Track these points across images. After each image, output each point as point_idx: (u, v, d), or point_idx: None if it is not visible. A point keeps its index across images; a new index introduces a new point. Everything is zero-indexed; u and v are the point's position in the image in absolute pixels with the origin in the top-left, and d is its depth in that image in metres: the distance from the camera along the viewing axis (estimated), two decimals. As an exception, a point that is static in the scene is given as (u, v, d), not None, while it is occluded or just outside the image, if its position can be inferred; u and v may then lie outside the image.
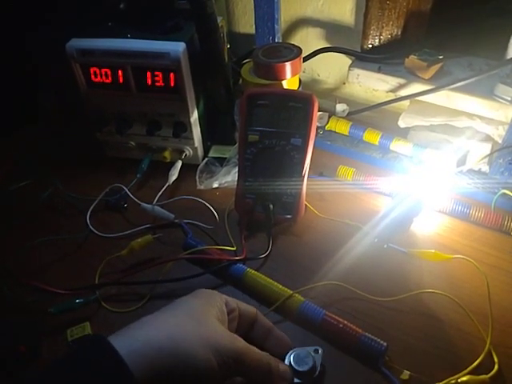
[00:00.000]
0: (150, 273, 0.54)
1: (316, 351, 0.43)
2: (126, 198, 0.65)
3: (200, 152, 0.70)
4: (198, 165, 0.68)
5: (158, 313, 0.35)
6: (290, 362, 0.42)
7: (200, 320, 0.35)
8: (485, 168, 0.65)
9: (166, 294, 0.53)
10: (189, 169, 0.69)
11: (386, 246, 0.56)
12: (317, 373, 0.42)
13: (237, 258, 0.55)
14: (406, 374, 0.44)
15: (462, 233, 0.58)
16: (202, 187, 0.66)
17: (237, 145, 0.66)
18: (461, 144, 0.65)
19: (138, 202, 0.63)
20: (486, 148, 0.64)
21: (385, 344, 0.45)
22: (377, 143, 0.71)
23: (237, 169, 0.62)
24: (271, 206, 0.59)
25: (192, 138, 0.68)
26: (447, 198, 0.60)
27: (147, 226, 0.61)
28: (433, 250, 0.55)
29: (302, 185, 0.59)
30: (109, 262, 0.56)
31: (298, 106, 0.58)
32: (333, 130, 0.75)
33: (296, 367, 0.42)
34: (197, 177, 0.67)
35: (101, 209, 0.65)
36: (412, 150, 0.68)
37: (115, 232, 0.61)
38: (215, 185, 0.66)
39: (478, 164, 0.65)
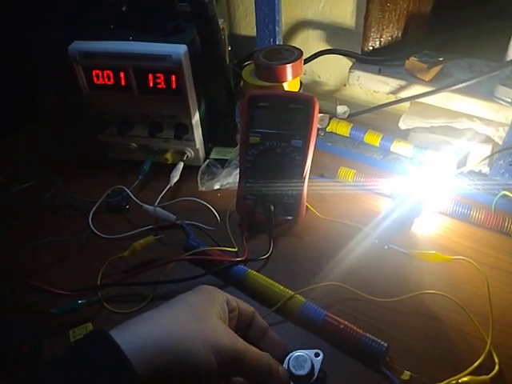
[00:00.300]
0: (152, 274, 0.55)
1: (317, 355, 0.43)
2: (128, 199, 0.65)
3: (201, 154, 0.71)
4: (200, 166, 0.68)
5: (158, 309, 0.35)
6: (287, 364, 0.41)
7: (201, 318, 0.35)
8: (485, 169, 0.65)
9: (168, 295, 0.54)
10: (190, 170, 0.69)
11: (386, 247, 0.56)
12: (314, 378, 0.41)
13: (238, 259, 0.55)
14: (406, 375, 0.44)
15: (463, 234, 0.59)
16: (204, 189, 0.67)
17: (238, 146, 0.66)
18: (461, 145, 0.65)
19: (140, 203, 0.63)
20: (487, 149, 0.64)
21: (385, 345, 0.45)
22: (377, 145, 0.71)
23: (238, 170, 0.63)
24: (272, 208, 0.59)
25: (193, 140, 0.68)
26: (448, 200, 0.61)
27: (149, 227, 0.62)
28: (433, 251, 0.55)
29: (302, 186, 0.59)
30: (111, 263, 0.57)
31: (299, 107, 0.58)
32: (334, 131, 0.75)
33: (293, 371, 0.41)
34: (198, 178, 0.67)
35: (103, 210, 0.65)
36: (412, 151, 0.68)
37: (117, 233, 0.61)
38: (216, 186, 0.67)
39: (478, 165, 0.65)
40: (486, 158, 0.64)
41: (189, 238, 0.59)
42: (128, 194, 0.64)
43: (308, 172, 0.59)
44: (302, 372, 0.41)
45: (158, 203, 0.63)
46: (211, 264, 0.56)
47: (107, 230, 0.62)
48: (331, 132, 0.75)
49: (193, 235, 0.60)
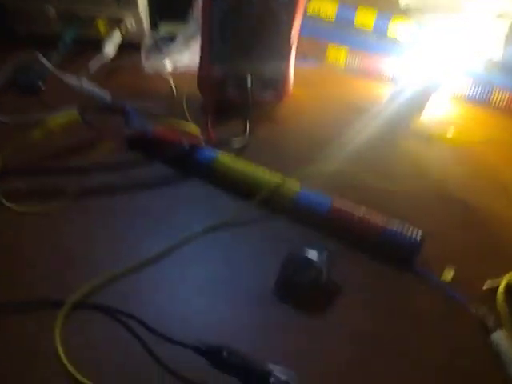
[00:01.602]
0: (77, 163, 0.38)
1: (324, 252, 0.31)
2: (45, 76, 0.47)
3: (146, 24, 0.54)
4: (143, 42, 0.51)
5: None
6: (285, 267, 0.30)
7: None
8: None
9: (97, 190, 0.37)
10: (132, 49, 0.52)
11: (398, 127, 0.44)
12: (321, 279, 0.30)
13: (201, 139, 0.40)
14: (448, 273, 0.32)
15: (483, 118, 0.49)
16: (150, 69, 0.50)
17: (193, 20, 0.50)
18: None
19: (61, 77, 0.45)
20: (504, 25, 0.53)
21: (419, 234, 0.32)
22: (371, 28, 0.57)
23: (194, 47, 0.47)
24: (249, 83, 0.44)
25: (135, 3, 0.50)
26: (465, 83, 0.50)
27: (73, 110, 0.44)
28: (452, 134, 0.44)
29: (289, 56, 0.45)
30: (16, 150, 0.38)
31: None
32: (316, 14, 0.60)
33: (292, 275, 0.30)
34: (142, 56, 0.50)
35: (8, 91, 0.47)
36: (415, 30, 0.55)
37: (30, 118, 0.43)
38: (167, 66, 0.51)
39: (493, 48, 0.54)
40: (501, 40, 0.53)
41: (130, 119, 0.42)
42: (43, 69, 0.46)
43: (297, 37, 0.44)
44: (307, 278, 0.30)
45: (90, 80, 0.46)
46: (163, 150, 0.40)
47: (14, 115, 0.43)
48: (313, 16, 0.60)
49: (137, 117, 0.43)
